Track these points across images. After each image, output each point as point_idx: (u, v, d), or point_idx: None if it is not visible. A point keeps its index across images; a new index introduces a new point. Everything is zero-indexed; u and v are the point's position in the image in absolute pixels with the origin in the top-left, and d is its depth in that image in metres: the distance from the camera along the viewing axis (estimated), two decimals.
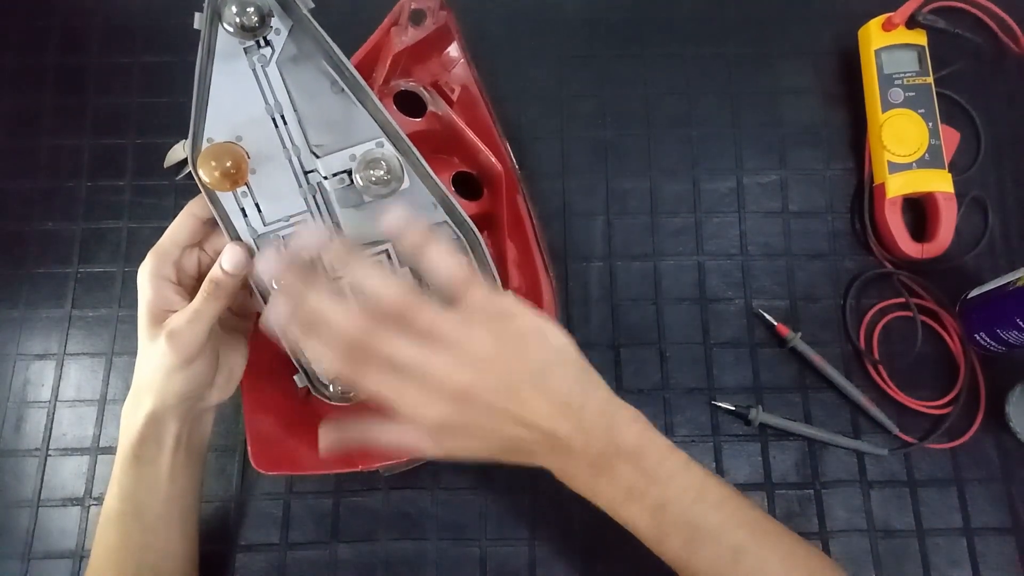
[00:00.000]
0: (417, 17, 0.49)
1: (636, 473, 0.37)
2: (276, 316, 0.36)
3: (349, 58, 0.47)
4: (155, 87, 0.59)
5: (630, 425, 0.38)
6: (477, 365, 0.35)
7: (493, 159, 0.50)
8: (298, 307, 0.35)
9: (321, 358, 0.35)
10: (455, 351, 0.35)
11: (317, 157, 0.39)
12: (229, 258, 0.39)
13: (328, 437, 0.37)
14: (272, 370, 0.46)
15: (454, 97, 0.52)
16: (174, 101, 0.58)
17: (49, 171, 0.57)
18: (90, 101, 0.59)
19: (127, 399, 0.41)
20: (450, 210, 0.41)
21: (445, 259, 0.36)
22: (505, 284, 0.48)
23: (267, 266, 0.37)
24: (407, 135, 0.50)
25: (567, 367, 0.37)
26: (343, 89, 0.38)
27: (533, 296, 0.51)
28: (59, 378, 0.53)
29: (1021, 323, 0.48)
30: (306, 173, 0.39)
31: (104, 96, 0.59)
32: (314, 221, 0.40)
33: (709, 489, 0.38)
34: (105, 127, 0.58)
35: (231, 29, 0.35)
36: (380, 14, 0.50)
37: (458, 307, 0.36)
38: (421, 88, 0.51)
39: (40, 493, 0.51)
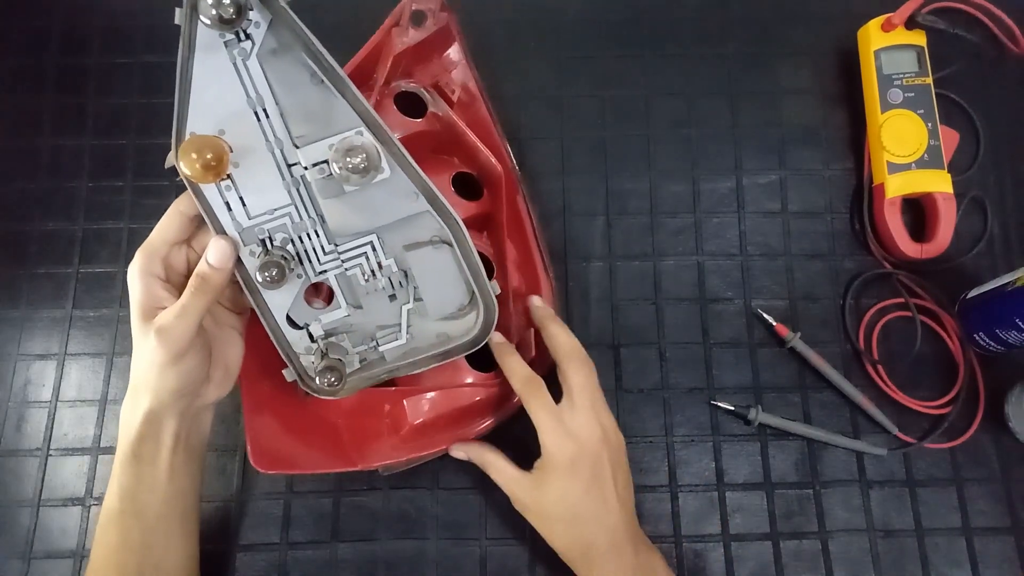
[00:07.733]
0: (418, 18, 0.49)
1: None
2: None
3: (350, 59, 0.48)
4: (155, 87, 0.59)
5: None
6: None
7: (493, 159, 0.50)
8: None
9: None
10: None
11: (297, 148, 0.39)
12: (214, 252, 0.39)
13: (458, 451, 0.47)
14: (271, 369, 0.46)
15: (454, 98, 0.52)
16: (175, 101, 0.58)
17: (49, 171, 0.57)
18: (90, 101, 0.59)
19: (125, 398, 0.41)
20: (432, 199, 0.41)
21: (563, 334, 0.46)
22: (505, 284, 0.49)
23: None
24: (408, 136, 0.50)
25: None
26: (323, 80, 0.38)
27: None
28: (60, 378, 0.53)
29: (1020, 323, 0.49)
30: (289, 166, 0.39)
31: (104, 96, 0.59)
32: (299, 214, 0.40)
33: None
34: (105, 127, 0.58)
35: (208, 22, 0.35)
36: (381, 15, 0.50)
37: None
38: (422, 89, 0.51)
39: (41, 493, 0.51)
